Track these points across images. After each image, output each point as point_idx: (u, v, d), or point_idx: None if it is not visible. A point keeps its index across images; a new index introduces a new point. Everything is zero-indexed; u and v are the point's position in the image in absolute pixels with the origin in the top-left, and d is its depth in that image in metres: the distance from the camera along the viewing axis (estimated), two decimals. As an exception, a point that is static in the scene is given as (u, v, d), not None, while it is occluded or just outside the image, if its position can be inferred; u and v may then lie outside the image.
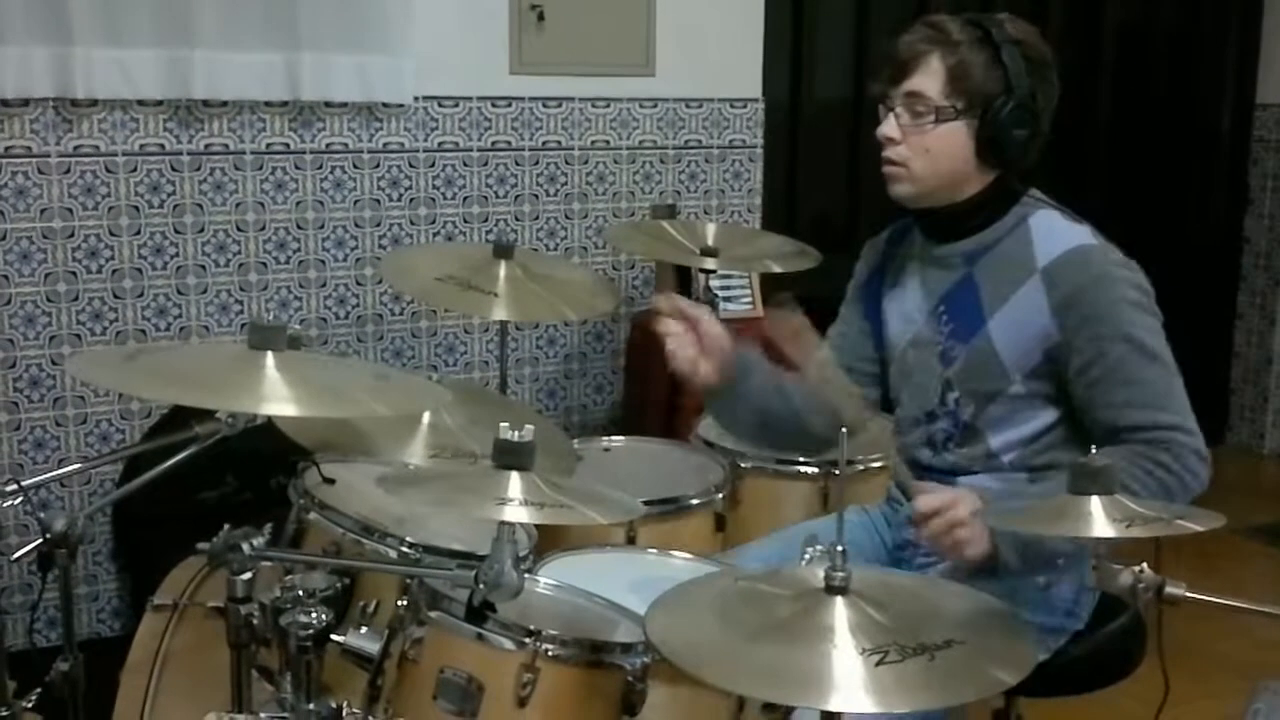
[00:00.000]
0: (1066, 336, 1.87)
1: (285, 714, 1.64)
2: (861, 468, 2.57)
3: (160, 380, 1.66)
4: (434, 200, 3.52)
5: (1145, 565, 1.38)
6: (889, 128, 1.95)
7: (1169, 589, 1.36)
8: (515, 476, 1.51)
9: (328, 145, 3.37)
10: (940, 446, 2.03)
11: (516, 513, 1.47)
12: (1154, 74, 4.87)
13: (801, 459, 2.53)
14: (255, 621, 1.64)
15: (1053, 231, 1.93)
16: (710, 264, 2.96)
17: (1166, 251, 4.70)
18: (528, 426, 1.53)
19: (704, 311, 2.06)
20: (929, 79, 1.91)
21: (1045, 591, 1.93)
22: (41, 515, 1.66)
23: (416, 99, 3.44)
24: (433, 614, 1.73)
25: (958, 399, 1.99)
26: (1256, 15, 5.02)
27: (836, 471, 1.63)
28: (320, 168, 3.37)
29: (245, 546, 1.62)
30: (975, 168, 1.94)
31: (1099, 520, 1.39)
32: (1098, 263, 1.88)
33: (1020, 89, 1.89)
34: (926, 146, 1.93)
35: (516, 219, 3.63)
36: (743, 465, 2.55)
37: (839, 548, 1.43)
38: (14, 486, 1.60)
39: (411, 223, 3.50)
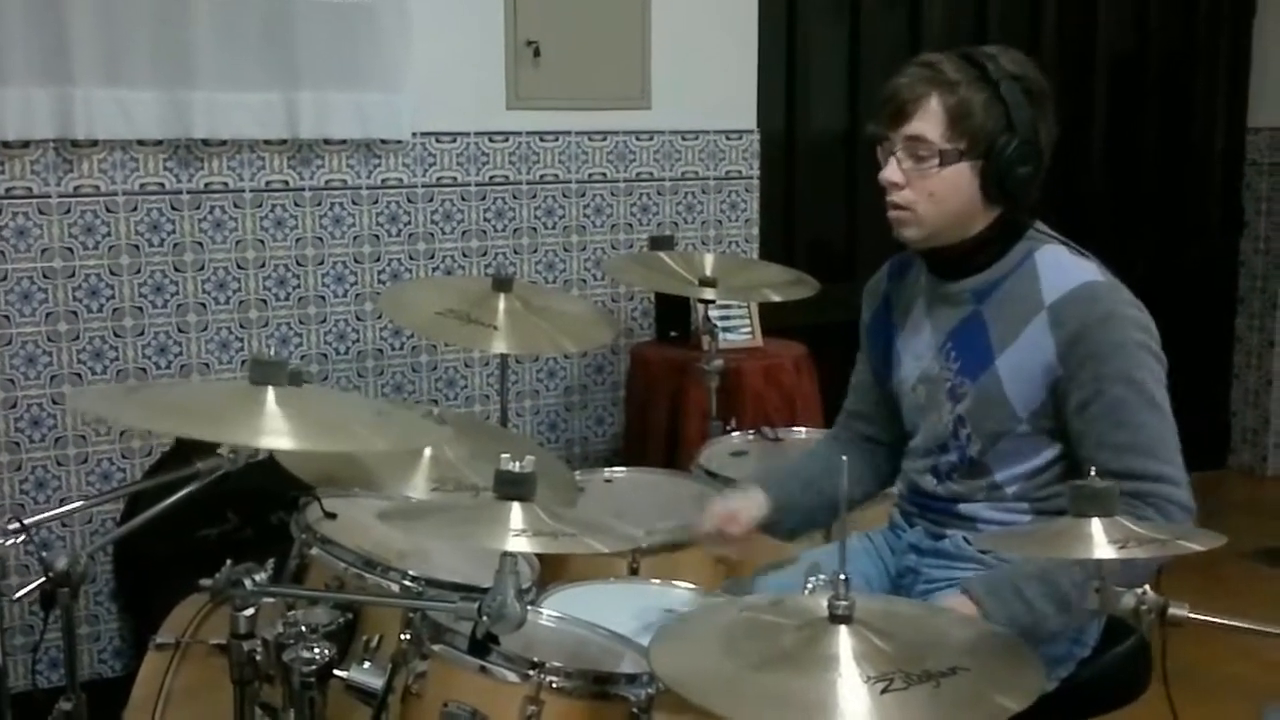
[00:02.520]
0: (1069, 372, 1.85)
1: (289, 750, 1.63)
2: (863, 496, 2.57)
3: (160, 414, 1.66)
4: (433, 235, 3.54)
5: (1148, 588, 1.38)
6: (892, 172, 1.92)
7: (1172, 610, 1.35)
8: (517, 507, 1.51)
9: (326, 182, 3.39)
10: (945, 476, 2.02)
11: (518, 542, 1.47)
12: (1147, 100, 4.90)
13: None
14: (258, 658, 1.64)
15: (1059, 267, 1.91)
16: (709, 294, 2.97)
17: (1164, 277, 4.73)
18: (528, 457, 1.54)
19: (729, 519, 2.11)
20: (928, 123, 1.88)
21: None
22: (44, 554, 1.66)
23: (414, 135, 3.46)
24: (436, 647, 1.72)
25: (969, 435, 1.97)
26: (1246, 40, 5.06)
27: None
28: (319, 204, 3.39)
29: (247, 582, 1.62)
30: (981, 206, 1.92)
31: (1100, 542, 1.39)
32: (1105, 300, 1.86)
33: (1022, 125, 1.87)
34: (930, 190, 1.90)
35: (515, 252, 3.64)
36: (744, 495, 2.54)
37: (842, 576, 1.43)
38: (16, 525, 1.60)
39: (411, 258, 3.51)
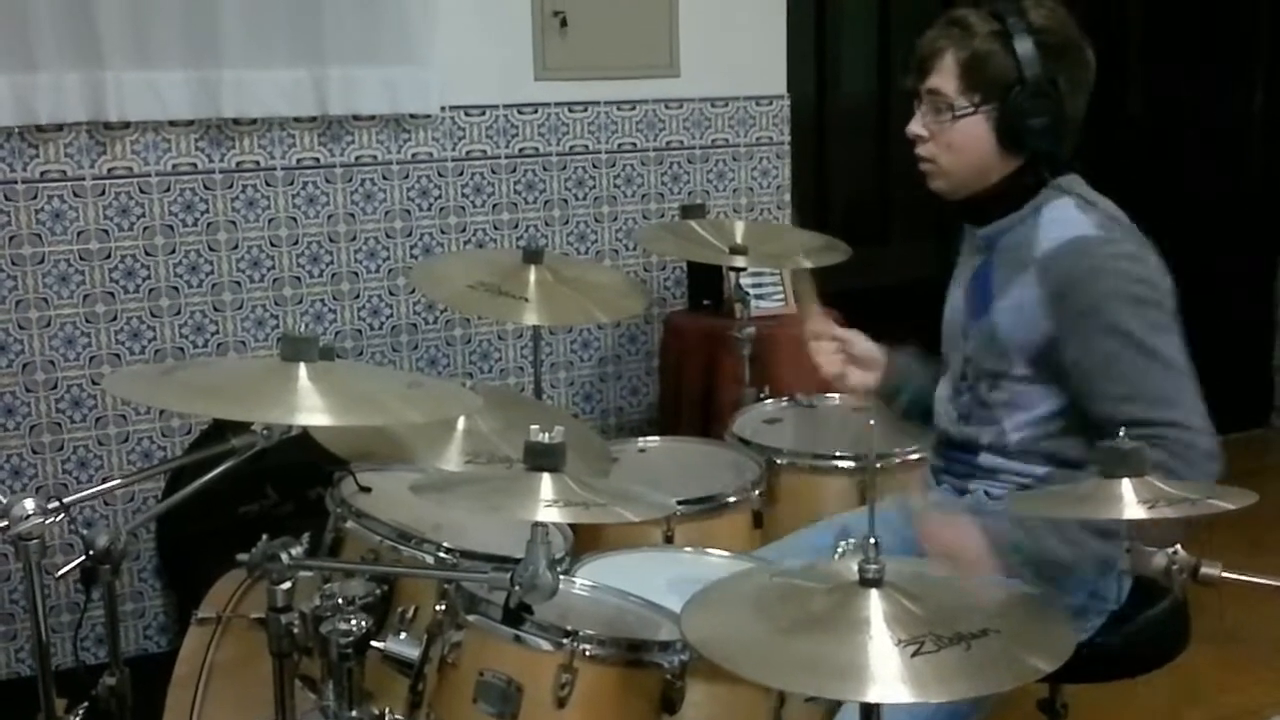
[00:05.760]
0: (1061, 329, 1.88)
1: (328, 721, 1.66)
2: (899, 460, 2.56)
3: (194, 394, 1.68)
4: (464, 209, 3.54)
5: (1179, 547, 1.37)
6: (915, 125, 2.01)
7: (1204, 569, 1.34)
8: (547, 478, 1.52)
9: (357, 158, 3.40)
10: (962, 420, 2.07)
11: (549, 512, 1.48)
12: (1180, 53, 4.82)
13: (838, 454, 2.52)
14: (296, 631, 1.66)
15: (1058, 220, 1.93)
16: (740, 262, 2.96)
17: (1201, 233, 4.65)
18: (558, 428, 1.54)
19: (854, 335, 2.29)
20: (944, 77, 1.95)
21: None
22: (84, 533, 1.68)
23: (443, 109, 3.46)
24: (470, 617, 1.73)
25: (975, 375, 2.02)
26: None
27: (876, 464, 1.63)
28: (350, 180, 3.40)
29: (283, 556, 1.63)
30: (999, 157, 1.96)
31: (1130, 502, 1.38)
32: (1092, 255, 1.87)
33: (1033, 77, 1.89)
34: (949, 142, 1.97)
35: (546, 224, 3.64)
36: (778, 462, 2.54)
37: (871, 540, 1.43)
38: (55, 504, 1.62)
39: (442, 232, 3.52)
